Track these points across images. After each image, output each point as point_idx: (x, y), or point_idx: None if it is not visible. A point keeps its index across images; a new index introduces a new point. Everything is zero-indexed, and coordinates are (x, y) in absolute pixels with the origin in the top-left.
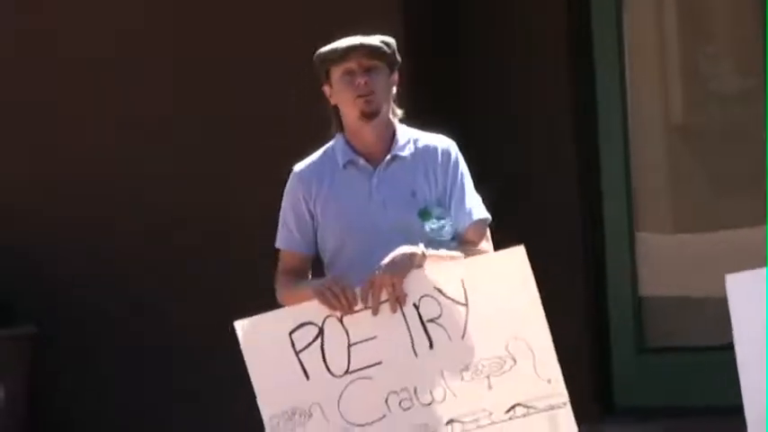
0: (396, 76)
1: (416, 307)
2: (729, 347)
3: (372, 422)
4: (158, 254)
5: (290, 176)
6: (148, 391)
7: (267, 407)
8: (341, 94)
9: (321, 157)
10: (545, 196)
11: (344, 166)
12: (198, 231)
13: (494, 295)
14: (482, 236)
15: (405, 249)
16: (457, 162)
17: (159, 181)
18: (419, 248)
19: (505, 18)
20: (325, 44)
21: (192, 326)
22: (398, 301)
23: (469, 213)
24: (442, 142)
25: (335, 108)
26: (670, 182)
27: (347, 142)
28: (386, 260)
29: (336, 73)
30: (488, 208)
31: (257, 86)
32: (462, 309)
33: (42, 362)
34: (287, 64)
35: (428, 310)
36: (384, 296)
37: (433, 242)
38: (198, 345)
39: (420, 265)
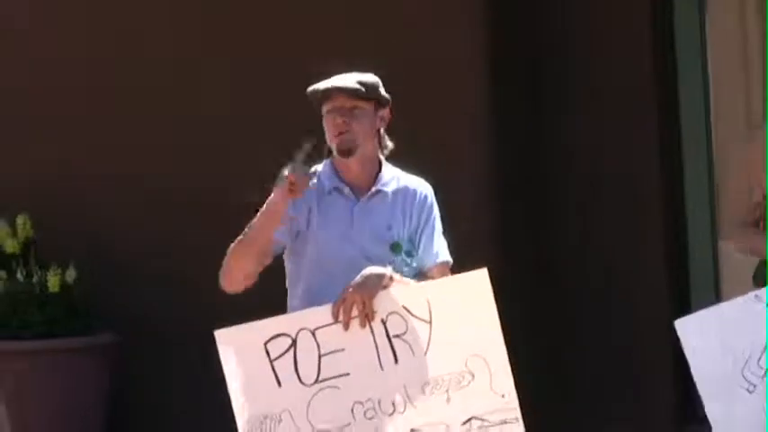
0: (385, 113)
1: (384, 323)
2: None
3: (337, 429)
4: None
5: None
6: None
7: (241, 412)
8: (326, 131)
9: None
10: (626, 199)
11: (329, 192)
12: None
13: (456, 315)
14: (444, 276)
15: (374, 270)
16: (432, 206)
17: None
18: (387, 270)
19: (585, 23)
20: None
21: None
22: (367, 317)
23: (436, 254)
24: (421, 185)
25: None
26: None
27: (334, 170)
28: (357, 279)
29: (323, 110)
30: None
31: None
32: (426, 326)
33: (123, 370)
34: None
35: (395, 327)
36: (354, 312)
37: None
38: None
39: (386, 287)
